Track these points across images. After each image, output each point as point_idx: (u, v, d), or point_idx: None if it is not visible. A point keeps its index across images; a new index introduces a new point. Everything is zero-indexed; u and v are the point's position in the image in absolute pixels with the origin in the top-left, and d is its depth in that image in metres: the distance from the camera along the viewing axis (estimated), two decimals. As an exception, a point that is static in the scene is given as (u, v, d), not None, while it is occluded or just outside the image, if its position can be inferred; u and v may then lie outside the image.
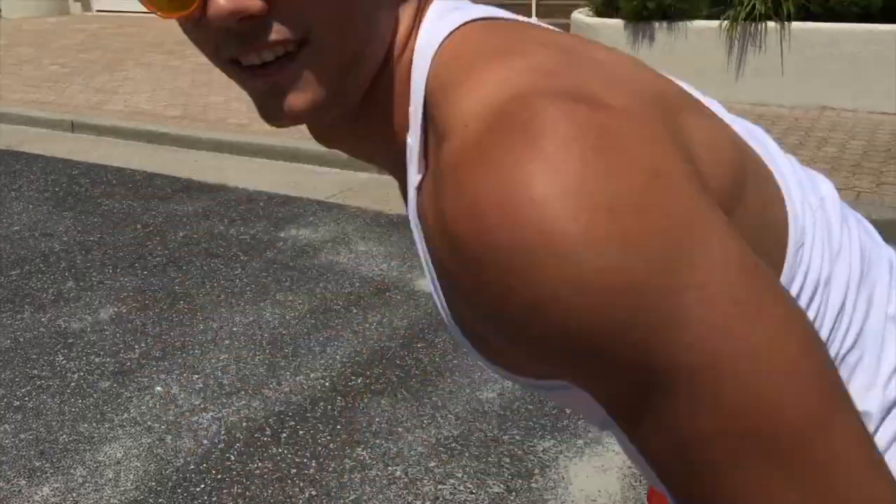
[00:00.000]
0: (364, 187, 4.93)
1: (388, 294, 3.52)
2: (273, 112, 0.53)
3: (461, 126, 0.45)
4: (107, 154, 5.89)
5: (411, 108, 0.54)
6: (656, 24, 6.28)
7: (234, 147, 5.73)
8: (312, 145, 5.42)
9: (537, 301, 0.40)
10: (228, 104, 6.83)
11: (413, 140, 0.53)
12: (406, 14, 0.56)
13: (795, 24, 5.79)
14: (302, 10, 0.49)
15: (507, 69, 0.47)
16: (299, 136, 5.67)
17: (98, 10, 15.10)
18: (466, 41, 0.52)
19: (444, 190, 0.44)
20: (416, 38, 0.56)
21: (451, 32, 0.53)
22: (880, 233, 0.68)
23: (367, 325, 3.25)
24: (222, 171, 5.40)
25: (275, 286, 3.63)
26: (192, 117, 6.41)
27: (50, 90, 7.65)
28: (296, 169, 5.36)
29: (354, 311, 3.38)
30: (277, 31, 0.49)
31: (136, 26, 12.84)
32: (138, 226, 4.44)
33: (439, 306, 0.58)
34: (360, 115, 0.57)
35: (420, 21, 0.56)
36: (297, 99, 0.52)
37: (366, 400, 2.73)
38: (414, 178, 0.53)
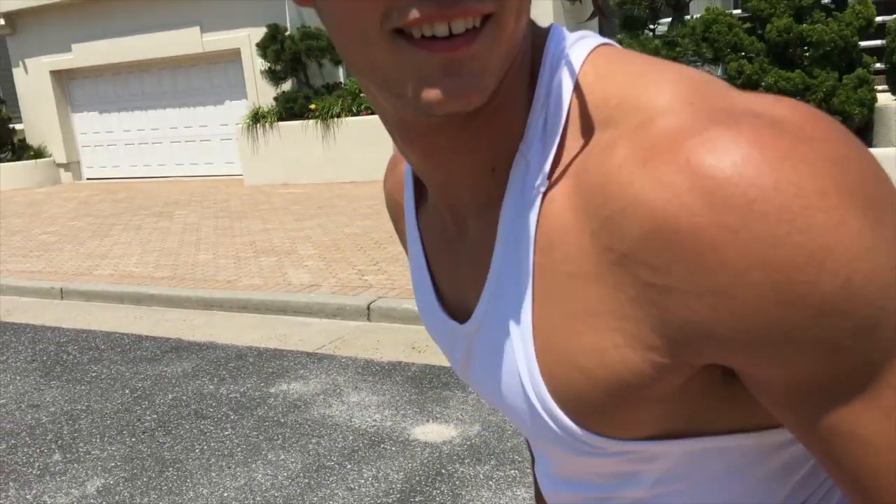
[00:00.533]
0: (354, 336, 4.93)
1: (382, 446, 3.44)
2: (447, 91, 0.46)
3: (666, 113, 0.46)
4: (95, 319, 5.90)
5: (533, 119, 0.53)
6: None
7: (223, 303, 5.76)
8: (301, 297, 5.47)
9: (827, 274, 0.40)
10: (217, 261, 6.92)
11: (531, 148, 0.53)
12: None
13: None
14: None
15: (687, 77, 0.49)
16: (287, 289, 5.72)
17: (88, 178, 15.54)
18: (614, 58, 0.53)
19: (662, 174, 0.43)
20: (531, 51, 0.54)
21: (588, 55, 0.53)
22: None
23: (363, 481, 3.16)
24: (211, 328, 5.40)
25: (266, 445, 3.56)
26: (181, 277, 6.48)
27: (39, 259, 7.75)
28: (285, 322, 5.37)
29: (349, 466, 3.29)
30: None
31: (125, 191, 13.18)
32: (126, 391, 4.39)
33: (512, 382, 0.56)
34: (468, 117, 0.52)
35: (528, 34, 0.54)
36: (477, 80, 0.46)
37: (364, 562, 2.61)
38: (537, 183, 0.52)
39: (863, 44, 7.07)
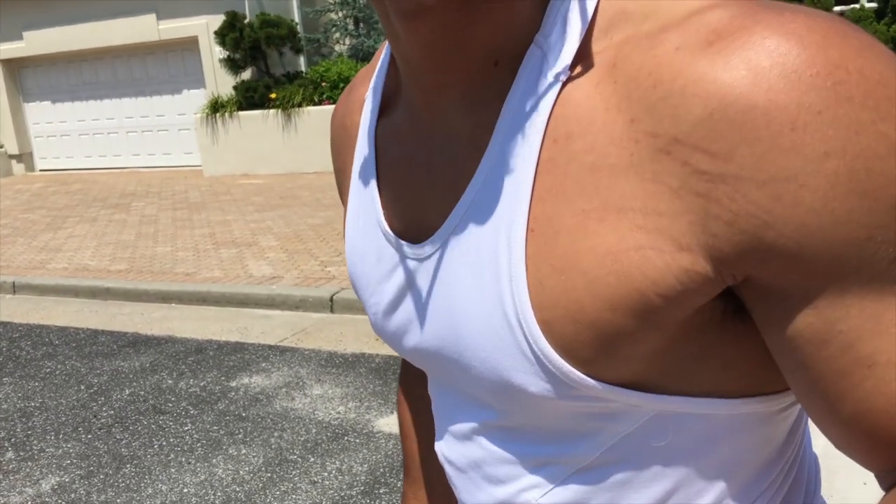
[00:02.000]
0: (316, 328, 4.86)
1: (346, 438, 3.40)
2: None
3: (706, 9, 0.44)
4: (49, 314, 5.74)
5: (553, 10, 0.49)
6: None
7: (182, 296, 5.65)
8: (262, 289, 5.38)
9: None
10: (175, 253, 6.79)
11: (549, 38, 0.49)
12: None
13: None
14: None
15: None
16: (248, 281, 5.63)
17: (41, 170, 15.16)
18: None
19: (723, 58, 0.41)
20: None
21: None
22: None
23: (326, 475, 3.11)
24: (170, 322, 5.29)
25: (227, 439, 3.48)
26: (139, 270, 6.34)
27: (-10, 252, 7.53)
28: (246, 314, 5.28)
29: (312, 459, 3.24)
30: None
31: (80, 182, 12.89)
32: (82, 387, 4.27)
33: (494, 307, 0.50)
34: (467, 3, 0.49)
35: None
36: None
37: (328, 557, 2.57)
38: (556, 70, 0.48)
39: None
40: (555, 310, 0.47)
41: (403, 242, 0.58)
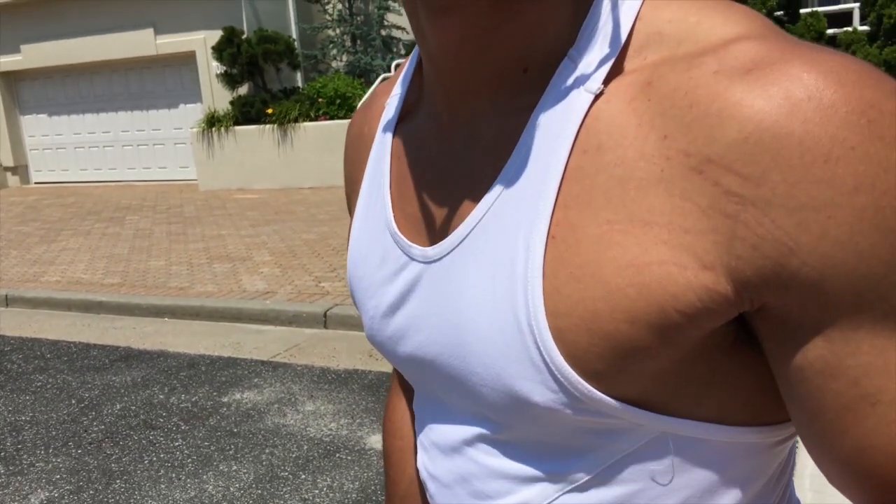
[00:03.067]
0: (310, 344, 4.85)
1: (337, 455, 3.38)
2: None
3: (742, 37, 0.45)
4: (41, 327, 5.72)
5: (589, 26, 0.50)
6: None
7: (175, 311, 5.63)
8: (256, 304, 5.37)
9: None
10: (169, 267, 6.78)
11: (584, 53, 0.49)
12: None
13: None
14: None
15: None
16: (242, 296, 5.62)
17: (36, 182, 15.14)
18: None
19: (757, 86, 0.42)
20: None
21: None
22: None
23: (317, 492, 3.09)
24: (162, 336, 5.27)
25: (218, 455, 3.46)
26: (132, 283, 6.32)
27: (-17, 265, 7.50)
28: (239, 329, 5.27)
29: (303, 476, 3.22)
30: None
31: (75, 195, 12.88)
32: (73, 401, 4.25)
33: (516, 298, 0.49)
34: (496, 4, 0.50)
35: None
36: None
37: (318, 575, 2.55)
38: (590, 84, 0.48)
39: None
40: (569, 318, 0.47)
41: (412, 244, 0.57)
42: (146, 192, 12.84)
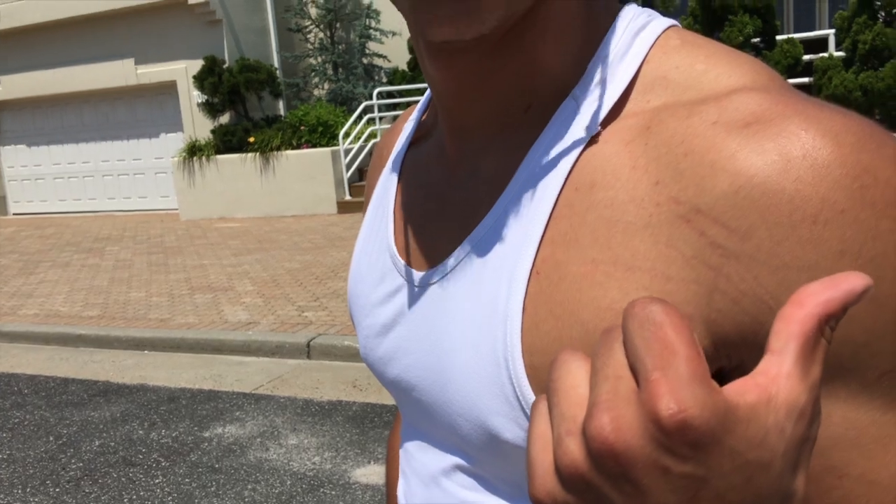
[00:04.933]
0: (293, 375, 4.79)
1: (322, 490, 3.32)
2: (437, 19, 0.45)
3: (747, 89, 0.44)
4: (19, 362, 5.61)
5: (594, 66, 0.50)
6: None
7: (155, 343, 5.55)
8: (238, 335, 5.30)
9: None
10: (149, 299, 6.70)
11: (587, 92, 0.49)
12: None
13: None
14: None
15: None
16: (224, 327, 5.56)
17: (15, 213, 15.00)
18: (696, 33, 0.52)
19: (755, 141, 0.41)
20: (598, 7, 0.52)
21: (671, 26, 0.52)
22: None
23: (301, 529, 3.03)
24: (142, 370, 5.19)
25: (199, 492, 3.39)
26: (111, 316, 6.24)
27: (-40, 298, 7.38)
28: (220, 361, 5.19)
29: (287, 513, 3.16)
30: None
31: (54, 226, 12.77)
32: (51, 437, 4.16)
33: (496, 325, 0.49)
34: (502, 42, 0.49)
35: None
36: (473, 7, 0.45)
37: None
38: (589, 126, 0.48)
39: (791, 81, 7.32)
40: (545, 356, 0.46)
41: (409, 267, 0.58)
42: (126, 222, 12.75)
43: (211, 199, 12.07)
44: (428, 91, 0.66)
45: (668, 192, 0.43)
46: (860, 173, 0.39)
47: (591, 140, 0.48)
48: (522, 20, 0.49)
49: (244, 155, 11.73)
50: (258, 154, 11.60)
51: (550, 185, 0.48)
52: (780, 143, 0.40)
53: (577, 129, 0.49)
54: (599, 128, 0.48)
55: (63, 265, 8.76)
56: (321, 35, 13.54)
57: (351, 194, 11.44)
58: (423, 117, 0.66)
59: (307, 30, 13.56)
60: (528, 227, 0.49)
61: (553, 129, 0.50)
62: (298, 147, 11.56)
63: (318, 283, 6.77)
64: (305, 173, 11.39)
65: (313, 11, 13.49)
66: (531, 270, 0.48)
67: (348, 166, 11.42)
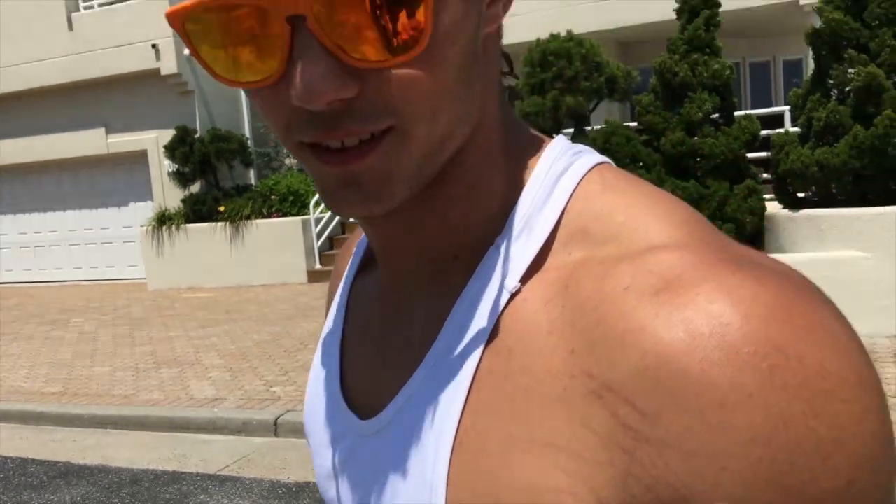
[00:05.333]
0: (259, 454, 4.70)
1: (287, 579, 3.23)
2: (345, 202, 0.46)
3: (668, 247, 0.43)
4: (-25, 441, 5.45)
5: (518, 214, 0.50)
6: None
7: (118, 421, 5.43)
8: (204, 412, 5.21)
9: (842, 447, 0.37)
10: (113, 374, 6.57)
11: (510, 242, 0.49)
12: (490, 101, 0.52)
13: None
14: (392, 96, 0.44)
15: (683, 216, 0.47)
16: (189, 403, 5.46)
17: (-22, 282, 14.73)
18: (622, 175, 0.51)
19: (662, 309, 0.40)
20: (518, 147, 0.53)
21: (595, 165, 0.51)
22: None
23: None
24: (104, 449, 5.06)
25: (160, 583, 3.28)
26: (74, 392, 6.10)
27: (-84, 374, 7.19)
28: (184, 440, 5.09)
29: None
30: (365, 118, 0.44)
31: (17, 297, 12.55)
32: (5, 524, 4.02)
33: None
34: (420, 201, 0.50)
35: (509, 119, 0.53)
36: (375, 190, 0.46)
37: None
38: (509, 281, 0.48)
39: (750, 156, 7.55)
40: None
41: (353, 415, 0.57)
42: (92, 292, 12.57)
43: (179, 268, 11.99)
44: None
45: (582, 364, 0.42)
46: (770, 351, 0.37)
47: (512, 295, 0.47)
48: (434, 182, 0.49)
49: (214, 224, 11.71)
50: (228, 223, 11.59)
51: (473, 348, 0.48)
52: (687, 316, 0.39)
53: (499, 283, 0.48)
54: (519, 284, 0.47)
55: (26, 338, 8.59)
56: (293, 106, 13.70)
57: (321, 263, 11.43)
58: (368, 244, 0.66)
59: (279, 100, 13.71)
60: (453, 391, 0.48)
61: (477, 281, 0.50)
62: (269, 216, 11.58)
63: (286, 355, 6.71)
64: (275, 242, 11.38)
65: (285, 83, 13.67)
66: (454, 440, 0.47)
67: (319, 235, 11.44)
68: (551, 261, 0.47)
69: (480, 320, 0.48)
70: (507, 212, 0.51)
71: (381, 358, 0.57)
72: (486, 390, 0.46)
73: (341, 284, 0.66)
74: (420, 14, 0.41)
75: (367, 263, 0.65)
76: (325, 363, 0.64)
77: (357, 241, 0.69)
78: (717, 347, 0.37)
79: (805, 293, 0.40)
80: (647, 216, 0.46)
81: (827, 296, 0.42)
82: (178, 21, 0.43)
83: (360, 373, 0.59)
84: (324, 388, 0.63)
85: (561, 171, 0.51)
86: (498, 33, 0.52)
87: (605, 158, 0.53)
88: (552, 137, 0.56)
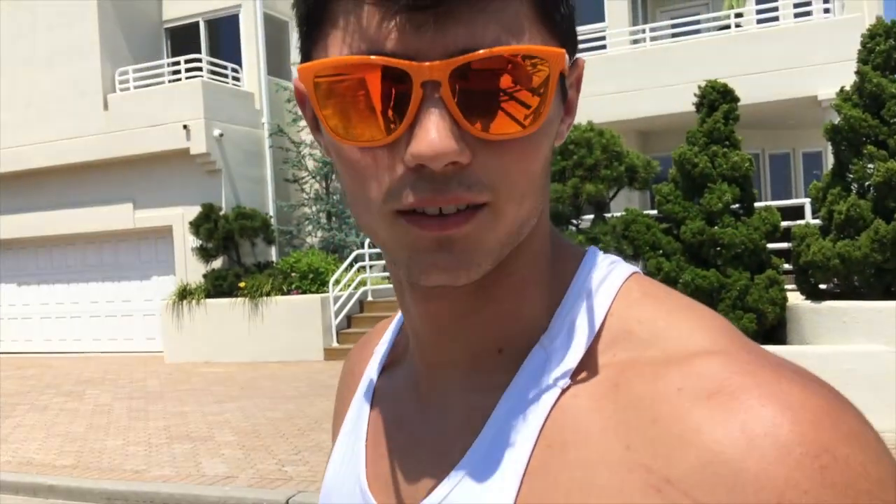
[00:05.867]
0: (268, 536, 4.60)
1: None
2: (434, 266, 0.48)
3: (710, 353, 0.46)
4: (-17, 513, 5.39)
5: (561, 314, 0.52)
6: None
7: (128, 497, 5.36)
8: (214, 491, 5.14)
9: None
10: (126, 448, 6.52)
11: (555, 342, 0.51)
12: (546, 204, 0.54)
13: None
14: (494, 172, 0.47)
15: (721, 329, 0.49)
16: (201, 481, 5.39)
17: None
18: (657, 284, 0.54)
19: (725, 415, 0.42)
20: (560, 253, 0.56)
21: (631, 274, 0.54)
22: None
23: None
24: (113, 525, 4.98)
25: None
26: (85, 465, 6.05)
27: (-70, 442, 7.17)
28: (195, 518, 5.00)
29: None
30: (470, 186, 0.46)
31: (35, 367, 12.59)
32: None
33: None
34: (482, 287, 0.52)
35: (550, 224, 0.56)
36: (466, 259, 0.48)
37: None
38: (559, 378, 0.50)
39: (771, 246, 7.56)
40: None
41: None
42: (109, 364, 12.59)
43: (197, 342, 12.01)
44: (399, 314, 0.67)
45: (639, 459, 0.44)
46: (820, 452, 0.40)
47: (562, 392, 0.49)
48: (496, 269, 0.51)
49: (234, 300, 11.79)
50: (248, 299, 11.66)
51: (523, 440, 0.49)
52: (743, 418, 0.42)
53: (547, 380, 0.50)
54: (570, 380, 0.49)
55: (41, 409, 8.58)
56: (317, 186, 13.98)
57: (339, 341, 11.42)
58: (397, 338, 0.67)
59: (303, 181, 14.01)
60: (503, 483, 0.48)
61: (523, 377, 0.51)
62: (288, 293, 11.65)
63: (300, 434, 6.64)
64: (294, 319, 11.41)
65: (310, 163, 13.99)
66: None
67: (337, 313, 11.46)
68: (597, 361, 0.50)
69: (530, 415, 0.49)
70: (550, 311, 0.53)
71: (414, 453, 0.57)
72: (540, 483, 0.47)
73: (363, 383, 0.67)
74: (539, 99, 0.46)
75: (391, 363, 0.66)
76: (348, 460, 0.64)
77: (375, 342, 0.70)
78: (772, 446, 0.40)
79: (841, 401, 0.44)
80: (689, 323, 0.49)
81: (856, 407, 0.45)
82: (310, 75, 0.46)
83: (387, 469, 0.59)
84: (344, 487, 0.62)
85: (602, 278, 0.54)
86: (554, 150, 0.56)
87: (637, 268, 0.56)
88: (585, 246, 0.59)
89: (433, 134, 0.44)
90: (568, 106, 0.53)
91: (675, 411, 0.44)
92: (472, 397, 0.54)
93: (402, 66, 0.44)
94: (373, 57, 0.44)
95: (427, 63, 0.44)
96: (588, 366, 0.50)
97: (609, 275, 0.54)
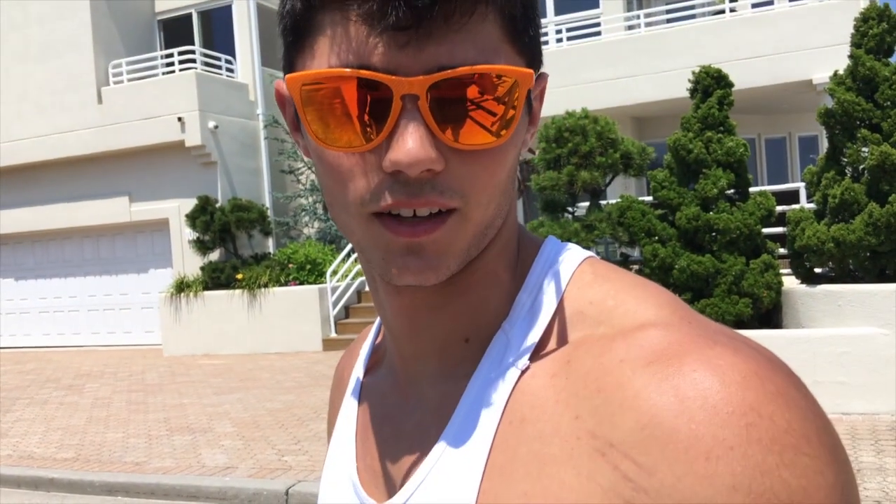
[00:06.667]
0: (269, 525, 4.64)
1: None
2: (406, 269, 0.52)
3: (661, 326, 0.50)
4: (-15, 506, 5.42)
5: (520, 301, 0.57)
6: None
7: (129, 489, 5.39)
8: (215, 481, 5.17)
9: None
10: (126, 440, 6.55)
11: (515, 326, 0.55)
12: (512, 203, 0.59)
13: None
14: (465, 180, 0.51)
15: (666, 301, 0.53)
16: (201, 472, 5.42)
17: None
18: (609, 266, 0.58)
19: (662, 379, 0.46)
20: (519, 243, 0.60)
21: (585, 259, 0.58)
22: None
23: None
24: (114, 517, 5.01)
25: None
26: (86, 458, 6.08)
27: (-70, 437, 7.19)
28: (195, 509, 5.03)
29: None
30: (441, 192, 0.50)
31: (35, 361, 12.61)
32: (11, 593, 3.96)
33: None
34: (451, 282, 0.56)
35: (516, 219, 0.60)
36: (435, 262, 0.52)
37: None
38: (518, 360, 0.54)
39: (766, 231, 7.57)
40: None
41: (370, 498, 0.61)
42: (109, 357, 12.62)
43: (196, 334, 12.03)
44: (378, 319, 0.72)
45: (587, 427, 0.48)
46: (746, 411, 0.43)
47: (521, 373, 0.54)
48: (466, 266, 0.56)
49: (231, 291, 11.80)
50: (245, 291, 11.68)
51: (488, 420, 0.53)
52: (675, 382, 0.45)
53: (508, 363, 0.55)
54: (529, 362, 0.54)
55: (41, 403, 8.61)
56: (312, 176, 13.97)
57: (337, 331, 11.44)
58: (378, 340, 0.72)
59: (299, 171, 14.00)
60: (472, 460, 0.53)
61: (487, 361, 0.56)
62: (286, 284, 11.66)
63: (299, 424, 6.67)
64: (292, 310, 11.43)
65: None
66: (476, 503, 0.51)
67: (335, 304, 11.48)
68: (553, 342, 0.54)
69: (495, 396, 0.54)
70: (511, 299, 0.58)
71: (397, 443, 0.61)
72: (502, 457, 0.52)
73: (351, 385, 0.71)
74: (508, 112, 0.50)
75: (375, 363, 0.71)
76: (340, 457, 0.68)
77: (360, 346, 0.75)
78: (701, 408, 0.44)
79: (773, 365, 0.47)
80: (634, 300, 0.53)
81: (790, 369, 0.48)
82: (297, 84, 0.50)
83: (375, 462, 0.64)
84: (339, 483, 0.66)
85: (557, 264, 0.58)
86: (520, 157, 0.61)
87: (591, 253, 0.61)
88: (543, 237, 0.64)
89: (411, 143, 0.48)
90: (533, 117, 0.57)
91: (617, 380, 0.48)
92: (444, 386, 0.59)
93: (385, 81, 0.48)
94: (361, 71, 0.48)
95: (407, 78, 0.47)
96: (544, 347, 0.54)
97: (563, 261, 0.58)
